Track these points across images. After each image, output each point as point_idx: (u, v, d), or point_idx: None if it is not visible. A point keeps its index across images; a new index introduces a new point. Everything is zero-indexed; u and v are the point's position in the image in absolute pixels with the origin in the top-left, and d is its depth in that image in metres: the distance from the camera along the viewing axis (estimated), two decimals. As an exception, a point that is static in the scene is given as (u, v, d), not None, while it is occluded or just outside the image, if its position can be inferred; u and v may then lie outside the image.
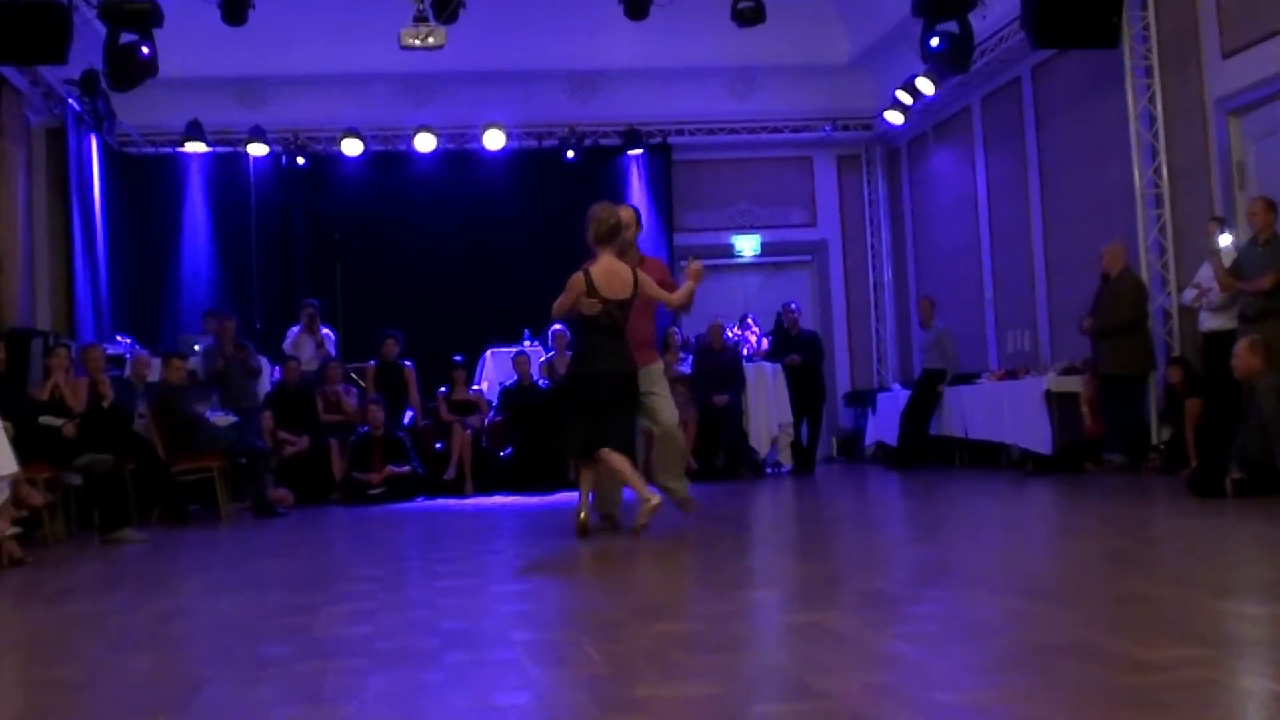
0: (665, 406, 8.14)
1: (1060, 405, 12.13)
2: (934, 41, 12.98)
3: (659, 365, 8.40)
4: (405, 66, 15.08)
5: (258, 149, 16.09)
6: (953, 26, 12.90)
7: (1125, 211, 12.39)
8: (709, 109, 17.32)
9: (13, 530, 7.84)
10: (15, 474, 7.89)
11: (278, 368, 14.09)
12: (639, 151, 17.13)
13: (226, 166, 16.53)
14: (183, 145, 16.00)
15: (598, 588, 5.66)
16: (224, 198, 16.56)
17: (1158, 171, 12.08)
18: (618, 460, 7.59)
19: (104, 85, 13.66)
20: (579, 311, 7.64)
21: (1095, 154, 13.12)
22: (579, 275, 7.62)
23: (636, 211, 8.60)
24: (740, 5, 12.88)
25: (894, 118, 15.97)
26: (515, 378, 14.07)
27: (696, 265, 7.94)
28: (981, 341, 15.57)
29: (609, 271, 7.64)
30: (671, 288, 8.19)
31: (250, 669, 3.83)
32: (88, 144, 14.91)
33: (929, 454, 14.61)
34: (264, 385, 13.69)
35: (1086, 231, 13.21)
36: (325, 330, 14.73)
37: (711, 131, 17.45)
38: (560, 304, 7.66)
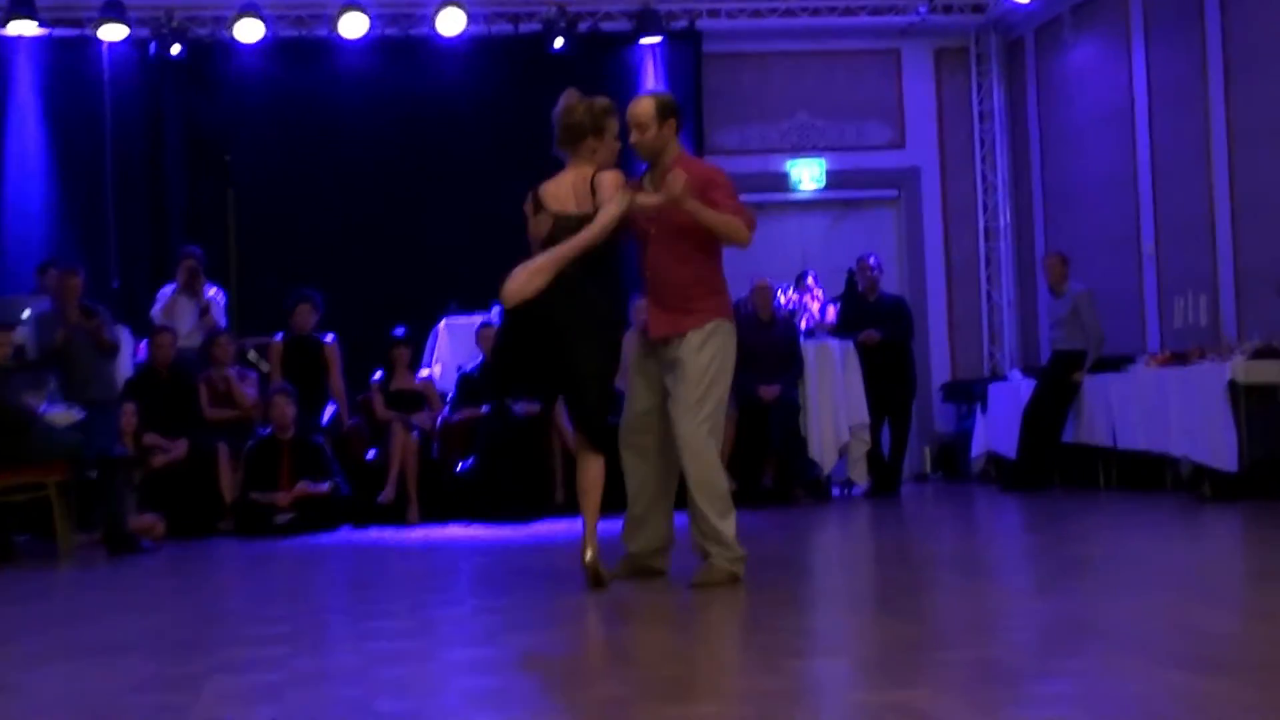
0: (681, 407, 7.60)
1: (1252, 403, 12.10)
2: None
3: (698, 333, 7.70)
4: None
5: (114, 32, 16.05)
6: None
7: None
8: (754, -20, 17.33)
9: None
10: None
11: (143, 343, 14.09)
12: (656, 40, 17.10)
13: (69, 57, 16.48)
14: (4, 26, 16.01)
15: (595, 656, 5.67)
16: (66, 103, 16.50)
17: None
18: (592, 468, 7.52)
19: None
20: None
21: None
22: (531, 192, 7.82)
23: (668, 101, 8.07)
24: None
25: (1017, -6, 15.96)
26: (480, 359, 14.07)
27: (672, 183, 7.58)
28: (1138, 312, 15.53)
29: (565, 181, 7.73)
30: (724, 208, 7.93)
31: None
32: None
33: (1061, 470, 14.57)
34: (123, 367, 13.68)
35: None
36: (212, 290, 14.74)
37: (758, 13, 17.40)
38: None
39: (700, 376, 7.61)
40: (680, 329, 7.67)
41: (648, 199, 7.65)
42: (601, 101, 7.85)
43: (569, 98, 7.77)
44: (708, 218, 7.70)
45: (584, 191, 7.61)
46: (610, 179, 7.62)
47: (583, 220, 7.51)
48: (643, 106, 7.91)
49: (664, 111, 7.91)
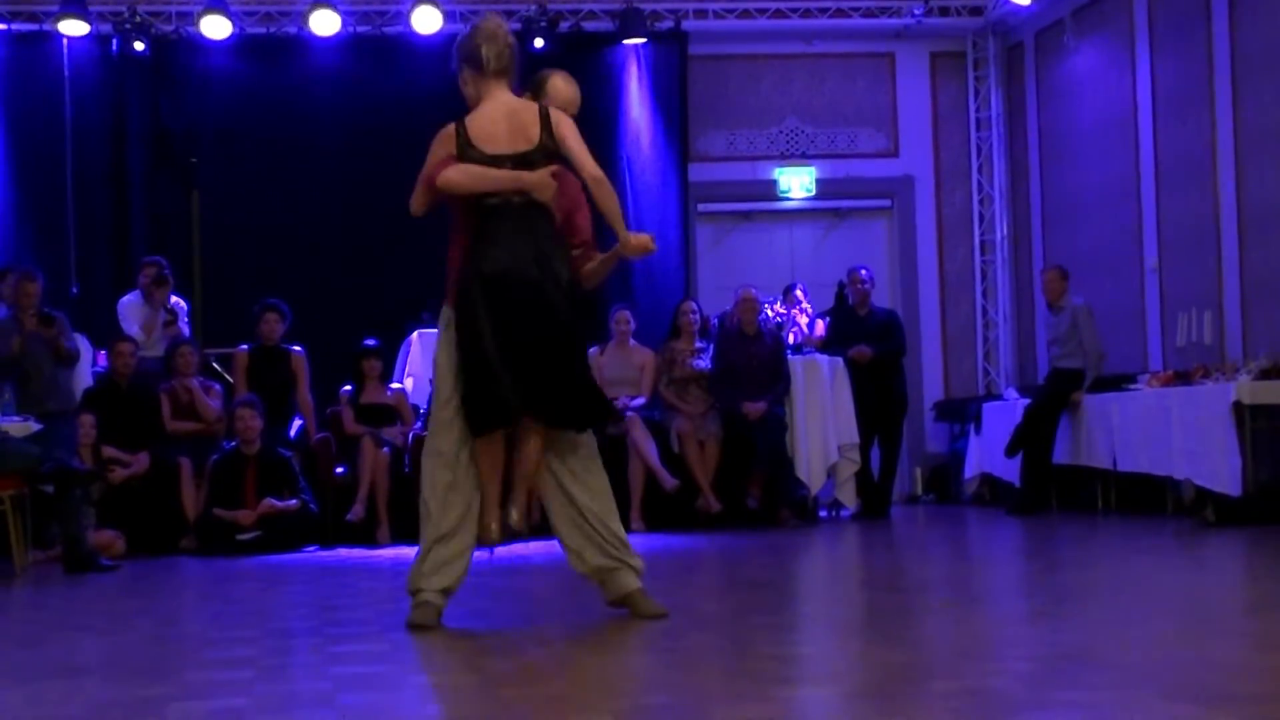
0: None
1: (1257, 424, 12.12)
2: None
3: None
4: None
5: (74, 28, 16.05)
6: None
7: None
8: (744, -20, 17.37)
9: None
10: None
11: (103, 352, 14.07)
12: (640, 40, 17.14)
13: (27, 54, 16.51)
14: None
15: (568, 680, 5.66)
16: (23, 101, 16.54)
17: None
18: (533, 444, 7.10)
19: None
20: (449, 196, 7.10)
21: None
22: (449, 127, 7.19)
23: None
24: None
25: (1017, -3, 16.01)
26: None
27: (644, 237, 7.23)
28: (1140, 329, 15.57)
29: (497, 113, 7.12)
30: (584, 228, 7.43)
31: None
32: None
33: (1059, 492, 14.61)
34: (82, 377, 13.66)
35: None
36: (175, 299, 14.72)
37: (747, 14, 17.45)
38: (420, 185, 7.21)
39: None
40: None
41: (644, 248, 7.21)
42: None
43: (491, 16, 7.37)
44: (617, 224, 7.19)
45: (525, 124, 7.04)
46: (567, 117, 7.12)
47: (520, 160, 6.98)
48: (578, 93, 7.60)
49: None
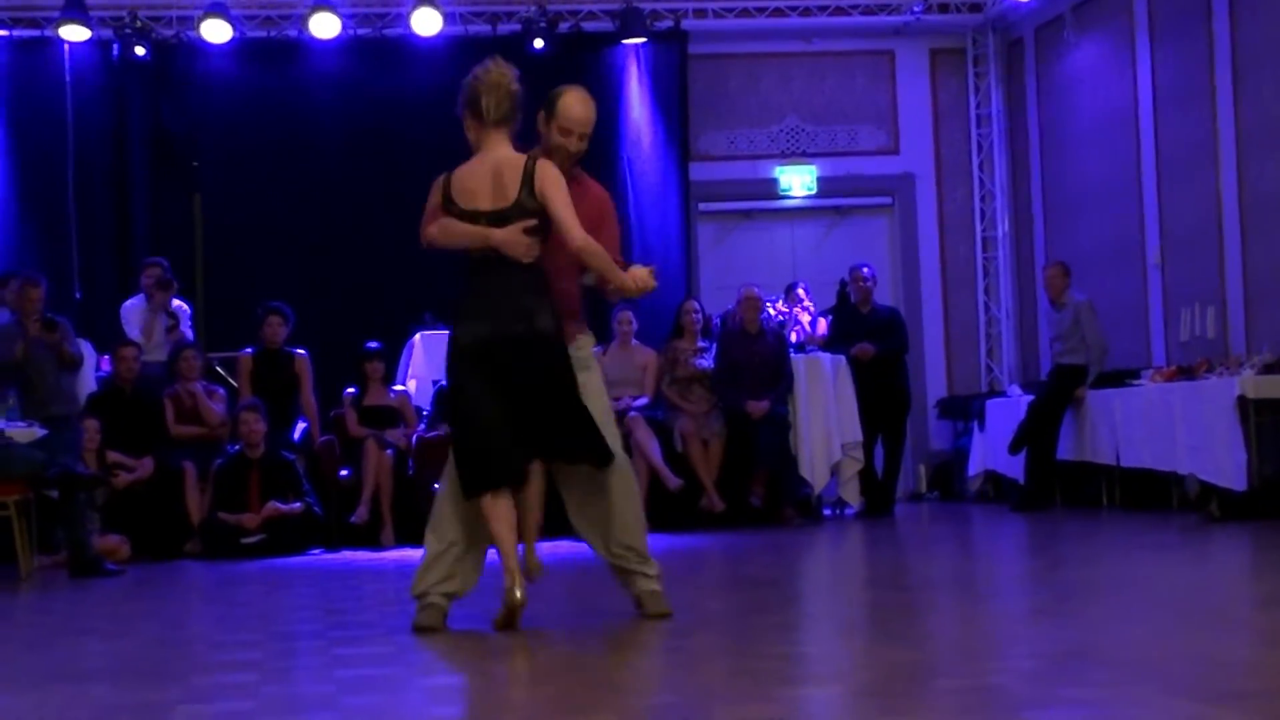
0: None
1: (1262, 419, 12.11)
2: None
3: (584, 343, 7.46)
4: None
5: (75, 33, 16.04)
6: None
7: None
8: (743, -21, 17.36)
9: None
10: None
11: (106, 357, 14.08)
12: (640, 40, 17.13)
13: (28, 59, 16.50)
14: (-38, 27, 16.03)
15: (570, 680, 5.67)
16: (25, 106, 16.52)
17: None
18: (534, 488, 7.12)
19: None
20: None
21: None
22: (439, 179, 7.25)
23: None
24: None
25: (1016, -7, 16.00)
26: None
27: (643, 273, 7.14)
28: (1143, 325, 15.56)
29: (483, 168, 7.14)
30: (610, 245, 7.27)
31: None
32: None
33: (1063, 489, 14.59)
34: (86, 382, 13.67)
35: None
36: (178, 303, 14.72)
37: (746, 13, 17.44)
38: (426, 228, 7.23)
39: (599, 389, 7.42)
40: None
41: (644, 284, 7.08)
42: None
43: (496, 63, 7.31)
44: (612, 276, 7.14)
45: (507, 182, 7.04)
46: (555, 173, 7.06)
47: (496, 217, 6.99)
48: (592, 112, 7.40)
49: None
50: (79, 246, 16.34)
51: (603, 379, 7.53)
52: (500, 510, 6.95)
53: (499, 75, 7.23)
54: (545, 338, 6.96)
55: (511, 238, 6.94)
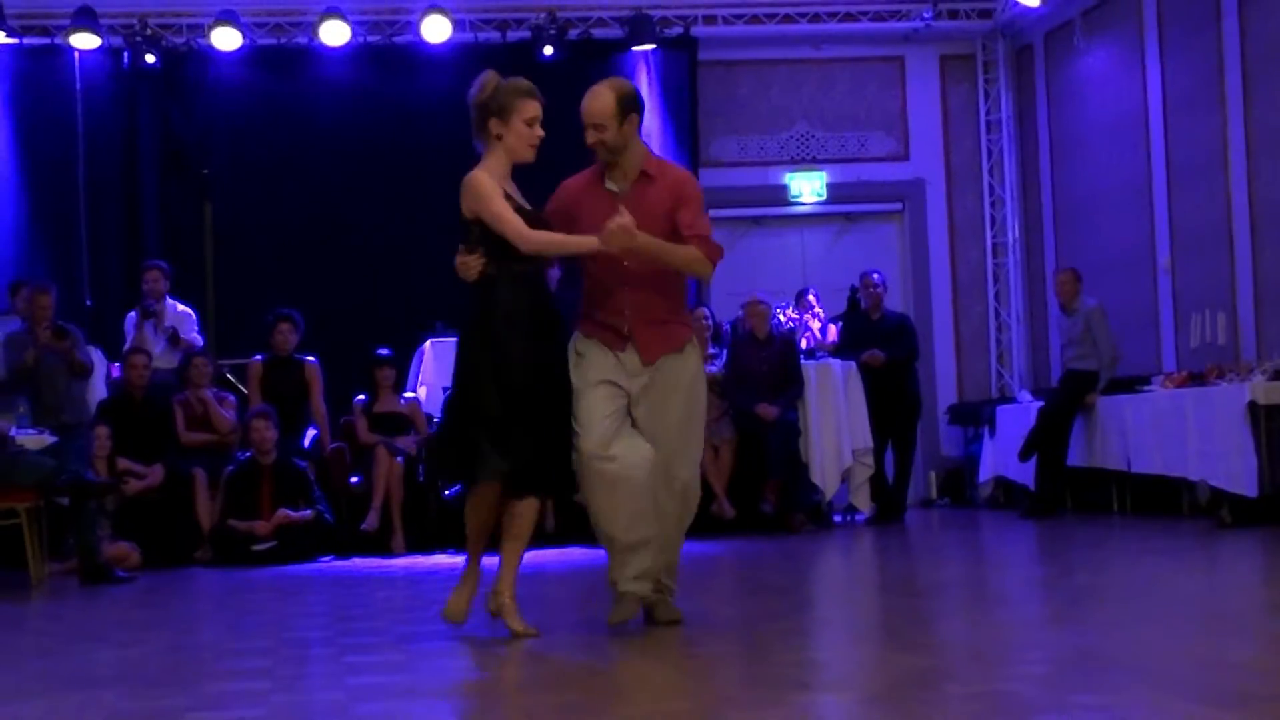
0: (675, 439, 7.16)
1: (1273, 425, 12.09)
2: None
3: (691, 353, 7.31)
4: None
5: (86, 41, 16.07)
6: None
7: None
8: (753, -15, 17.36)
9: None
10: None
11: (116, 365, 14.08)
12: (650, 47, 17.14)
13: (39, 67, 16.52)
14: (-28, 34, 16.04)
15: (581, 687, 5.66)
16: (36, 114, 16.54)
17: None
18: (528, 504, 7.10)
19: None
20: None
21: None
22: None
23: (628, 94, 7.25)
24: None
25: (1026, -1, 15.99)
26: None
27: (617, 223, 6.87)
28: (1153, 330, 15.54)
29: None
30: (692, 228, 7.14)
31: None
32: None
33: (1073, 495, 14.60)
34: (96, 390, 13.68)
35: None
36: (183, 307, 14.71)
37: (756, 19, 17.44)
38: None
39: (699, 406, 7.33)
40: (673, 344, 7.21)
41: (616, 237, 6.84)
42: (517, 81, 7.28)
43: (486, 77, 7.31)
44: (668, 258, 7.10)
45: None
46: (475, 186, 7.12)
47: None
48: (601, 102, 7.13)
49: (624, 107, 7.14)
50: (89, 254, 16.37)
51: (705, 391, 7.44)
52: (481, 509, 7.08)
53: (477, 85, 7.38)
54: (557, 356, 7.09)
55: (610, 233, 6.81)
